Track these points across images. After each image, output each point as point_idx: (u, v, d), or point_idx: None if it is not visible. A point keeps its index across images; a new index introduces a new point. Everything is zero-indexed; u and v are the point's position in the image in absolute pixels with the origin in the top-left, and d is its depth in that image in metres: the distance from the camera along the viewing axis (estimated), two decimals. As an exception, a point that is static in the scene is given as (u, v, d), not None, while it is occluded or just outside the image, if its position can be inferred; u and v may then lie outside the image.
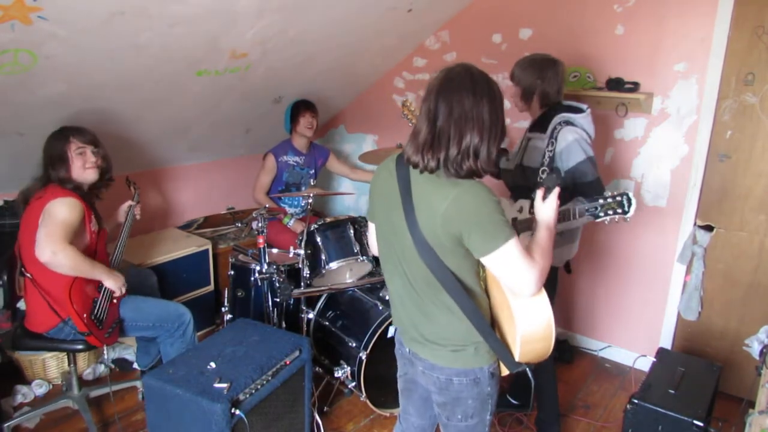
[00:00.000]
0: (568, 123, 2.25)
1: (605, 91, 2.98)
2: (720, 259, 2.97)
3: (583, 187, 2.18)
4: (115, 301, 2.51)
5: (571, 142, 2.20)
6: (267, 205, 3.20)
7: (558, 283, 2.53)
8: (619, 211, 1.81)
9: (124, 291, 2.52)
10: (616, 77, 2.97)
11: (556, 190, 1.62)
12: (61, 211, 2.33)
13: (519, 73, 2.34)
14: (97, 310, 2.42)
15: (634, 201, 1.78)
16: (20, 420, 2.65)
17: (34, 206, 2.37)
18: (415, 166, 1.50)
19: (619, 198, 1.81)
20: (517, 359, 1.59)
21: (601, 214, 1.84)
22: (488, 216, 1.45)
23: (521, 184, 2.39)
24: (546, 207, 1.63)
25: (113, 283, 2.47)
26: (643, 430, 2.27)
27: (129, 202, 2.83)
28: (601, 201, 1.85)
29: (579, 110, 2.31)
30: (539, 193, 1.63)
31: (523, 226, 2.25)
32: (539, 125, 2.35)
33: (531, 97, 2.34)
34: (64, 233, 2.30)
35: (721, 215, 2.93)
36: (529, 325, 1.57)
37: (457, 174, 1.46)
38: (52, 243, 2.26)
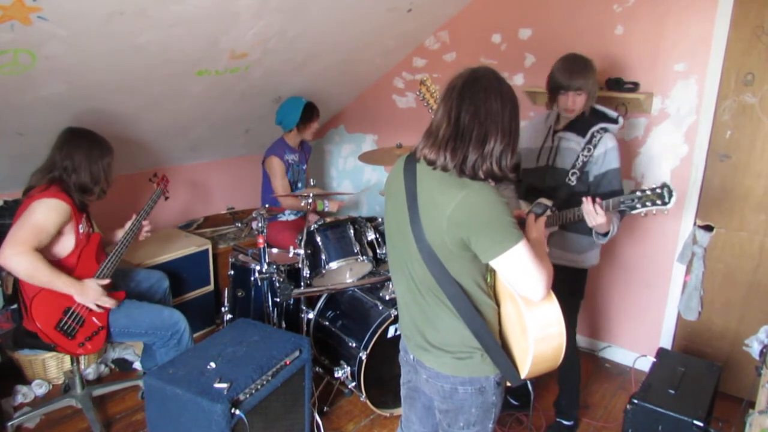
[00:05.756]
0: (606, 130, 2.30)
1: (605, 91, 2.97)
2: (720, 259, 2.97)
3: (607, 195, 2.16)
4: (97, 308, 2.42)
5: (611, 148, 2.26)
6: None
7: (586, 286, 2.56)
8: (659, 202, 1.83)
9: (97, 309, 2.41)
10: (616, 77, 2.97)
11: (544, 216, 1.75)
12: (39, 213, 2.28)
13: (587, 83, 2.27)
14: (66, 321, 2.35)
15: (675, 192, 1.79)
16: (22, 420, 2.65)
17: (24, 204, 2.34)
18: (431, 163, 1.48)
19: (659, 190, 1.83)
20: (523, 376, 1.58)
21: (638, 206, 1.86)
22: (498, 218, 1.42)
23: (550, 185, 2.36)
24: (537, 226, 1.70)
25: (82, 299, 2.37)
26: (643, 430, 2.27)
27: (134, 217, 2.69)
28: (638, 193, 1.87)
29: (613, 120, 2.34)
30: (531, 216, 1.72)
31: (548, 223, 2.24)
32: (575, 127, 2.34)
33: (592, 102, 2.33)
34: (31, 237, 2.24)
35: (721, 215, 2.93)
36: (543, 347, 1.56)
37: (473, 176, 1.44)
38: (13, 245, 2.21)
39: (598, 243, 2.31)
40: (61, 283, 2.33)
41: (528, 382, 1.62)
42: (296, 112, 3.44)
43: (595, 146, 2.26)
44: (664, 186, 1.82)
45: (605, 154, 2.26)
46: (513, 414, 2.79)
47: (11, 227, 2.31)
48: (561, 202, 2.27)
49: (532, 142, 2.48)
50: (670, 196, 1.81)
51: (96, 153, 2.46)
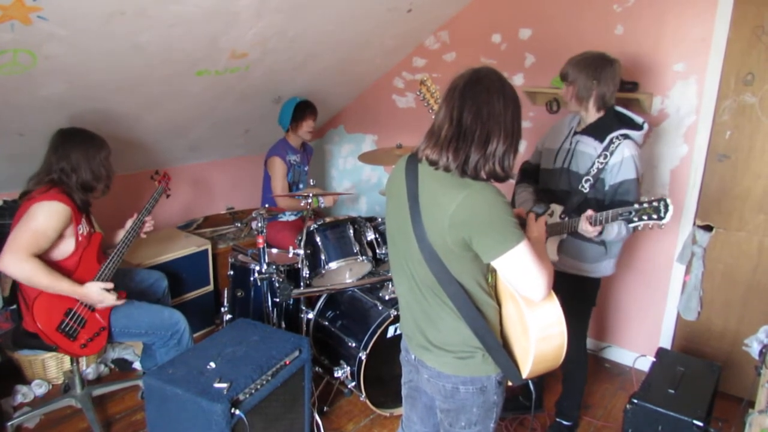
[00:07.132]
0: (627, 137, 2.18)
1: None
2: (719, 259, 2.98)
3: (622, 204, 2.13)
4: (99, 308, 2.43)
5: (628, 157, 2.14)
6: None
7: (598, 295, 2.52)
8: (654, 216, 1.77)
9: (102, 306, 2.43)
10: (616, 77, 2.97)
11: (545, 216, 1.73)
12: (39, 218, 2.27)
13: (574, 73, 2.20)
14: (68, 323, 2.35)
15: (671, 207, 1.74)
16: (21, 419, 2.65)
17: (24, 206, 2.33)
18: (433, 163, 1.48)
19: (655, 203, 1.77)
20: (525, 376, 1.58)
21: (635, 219, 1.81)
22: (499, 218, 1.42)
23: (563, 189, 2.30)
24: (538, 226, 1.69)
25: (86, 300, 2.38)
26: (642, 430, 2.27)
27: (135, 216, 2.68)
28: (636, 206, 1.81)
29: (637, 126, 2.22)
30: (531, 216, 1.71)
31: (552, 231, 2.22)
32: (594, 131, 2.25)
33: (587, 99, 2.22)
34: (31, 243, 2.24)
35: (721, 215, 2.94)
36: (545, 346, 1.56)
37: (475, 176, 1.44)
38: (13, 251, 2.21)
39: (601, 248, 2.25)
40: (62, 287, 2.32)
41: (530, 382, 1.62)
42: (288, 111, 3.45)
43: (611, 153, 2.14)
44: (660, 200, 1.76)
45: (621, 163, 2.14)
46: (518, 418, 2.79)
47: (11, 230, 2.31)
48: (572, 209, 2.21)
49: (552, 142, 2.41)
50: (666, 210, 1.74)
51: (92, 150, 2.45)
